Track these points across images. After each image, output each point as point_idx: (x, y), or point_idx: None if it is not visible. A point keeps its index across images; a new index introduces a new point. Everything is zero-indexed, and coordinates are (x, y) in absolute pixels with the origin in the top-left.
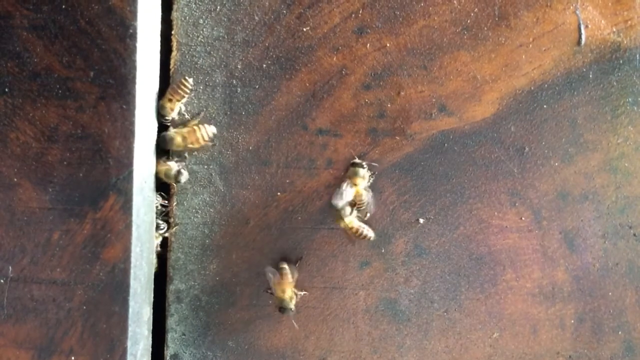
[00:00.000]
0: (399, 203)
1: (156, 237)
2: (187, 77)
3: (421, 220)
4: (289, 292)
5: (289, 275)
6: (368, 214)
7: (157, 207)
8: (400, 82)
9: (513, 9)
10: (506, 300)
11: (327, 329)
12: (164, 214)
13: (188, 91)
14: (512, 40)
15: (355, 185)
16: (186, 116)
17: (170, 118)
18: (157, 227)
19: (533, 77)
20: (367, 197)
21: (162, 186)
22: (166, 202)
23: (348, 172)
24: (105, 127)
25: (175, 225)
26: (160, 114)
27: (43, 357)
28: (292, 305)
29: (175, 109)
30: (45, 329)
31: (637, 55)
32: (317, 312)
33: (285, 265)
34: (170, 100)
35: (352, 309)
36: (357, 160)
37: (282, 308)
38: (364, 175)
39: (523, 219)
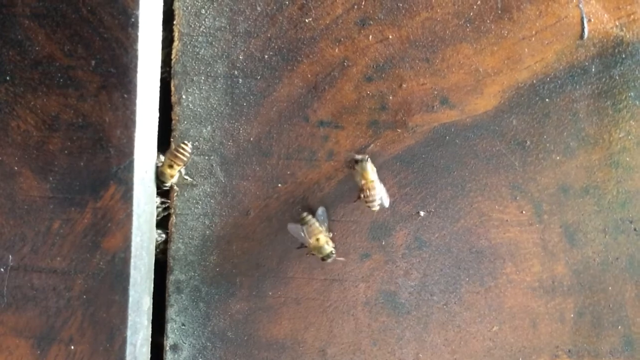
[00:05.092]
0: (399, 195)
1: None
2: (185, 142)
3: (422, 213)
4: (323, 238)
5: (316, 223)
6: (384, 205)
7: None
8: (402, 75)
9: (516, 1)
10: (506, 293)
11: (327, 321)
12: (163, 220)
13: (188, 155)
14: (515, 33)
15: (367, 179)
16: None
17: (169, 184)
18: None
19: (535, 71)
20: (380, 188)
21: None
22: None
23: (357, 169)
24: (106, 116)
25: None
26: (160, 180)
27: (42, 345)
28: (330, 249)
29: (175, 175)
30: (45, 318)
31: None
32: (317, 303)
33: (308, 216)
34: (170, 166)
35: (352, 301)
36: (359, 157)
37: (323, 257)
38: (372, 168)
39: (524, 212)
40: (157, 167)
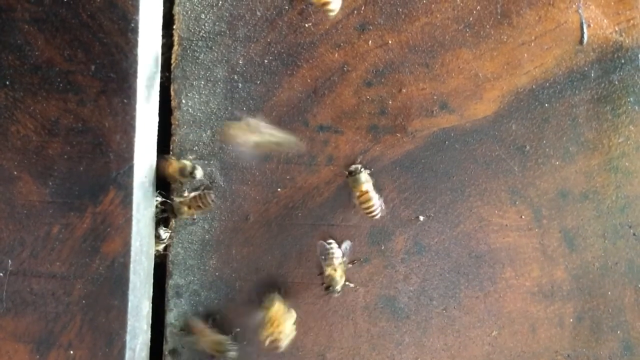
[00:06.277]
0: (399, 200)
1: (156, 244)
2: (211, 193)
3: (421, 218)
4: (340, 270)
5: (337, 254)
6: (379, 215)
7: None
8: (402, 79)
9: (515, 7)
10: (505, 298)
11: (326, 326)
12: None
13: (209, 205)
14: (514, 38)
15: (363, 191)
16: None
17: (179, 218)
18: (158, 237)
19: (535, 76)
20: (376, 200)
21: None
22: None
23: (350, 183)
24: (106, 121)
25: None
26: (173, 213)
27: (42, 350)
28: (341, 284)
29: (190, 215)
30: (44, 323)
31: (639, 55)
32: (316, 308)
33: (334, 245)
34: (189, 207)
35: (351, 306)
36: (351, 168)
37: (327, 287)
38: (366, 179)
39: (523, 217)
40: (176, 202)
